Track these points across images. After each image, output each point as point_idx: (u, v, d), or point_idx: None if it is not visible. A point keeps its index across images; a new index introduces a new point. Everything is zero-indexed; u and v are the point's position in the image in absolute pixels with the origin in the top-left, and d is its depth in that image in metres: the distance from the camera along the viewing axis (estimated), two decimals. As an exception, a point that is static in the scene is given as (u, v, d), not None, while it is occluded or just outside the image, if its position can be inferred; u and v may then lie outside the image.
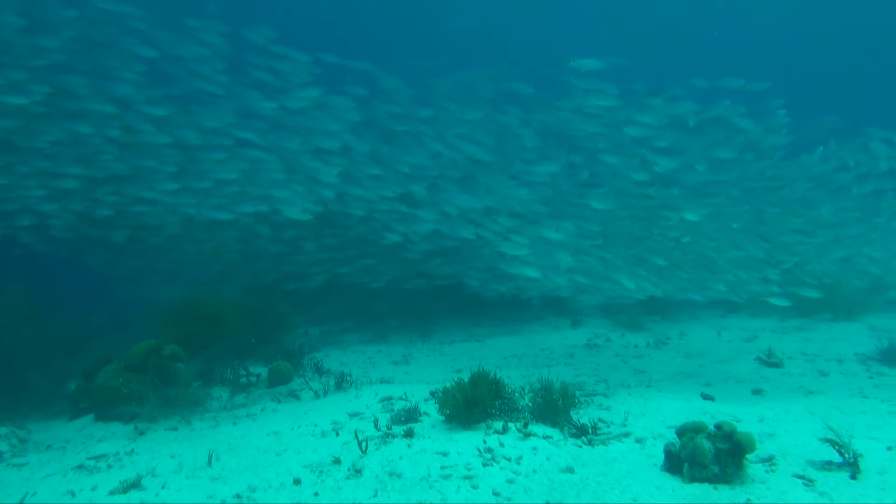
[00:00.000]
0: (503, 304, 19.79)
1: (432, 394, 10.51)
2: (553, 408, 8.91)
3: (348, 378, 12.03)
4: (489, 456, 7.49)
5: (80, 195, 16.02)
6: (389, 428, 8.76)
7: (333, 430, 8.98)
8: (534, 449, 7.77)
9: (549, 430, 8.51)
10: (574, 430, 8.46)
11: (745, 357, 13.99)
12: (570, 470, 7.12)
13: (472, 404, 8.64)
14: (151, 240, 18.89)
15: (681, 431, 7.27)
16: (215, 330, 13.23)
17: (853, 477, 6.88)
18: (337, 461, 7.62)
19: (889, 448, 7.87)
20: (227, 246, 18.98)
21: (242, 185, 15.69)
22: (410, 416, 9.16)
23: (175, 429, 9.80)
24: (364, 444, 7.91)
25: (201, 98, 15.53)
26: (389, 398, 10.65)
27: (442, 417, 8.89)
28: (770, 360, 13.27)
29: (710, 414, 9.47)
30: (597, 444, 8.12)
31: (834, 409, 9.86)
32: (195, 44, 15.28)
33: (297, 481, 7.10)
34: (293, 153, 15.56)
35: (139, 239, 18.87)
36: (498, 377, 9.27)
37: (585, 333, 17.45)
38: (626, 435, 8.49)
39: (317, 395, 11.36)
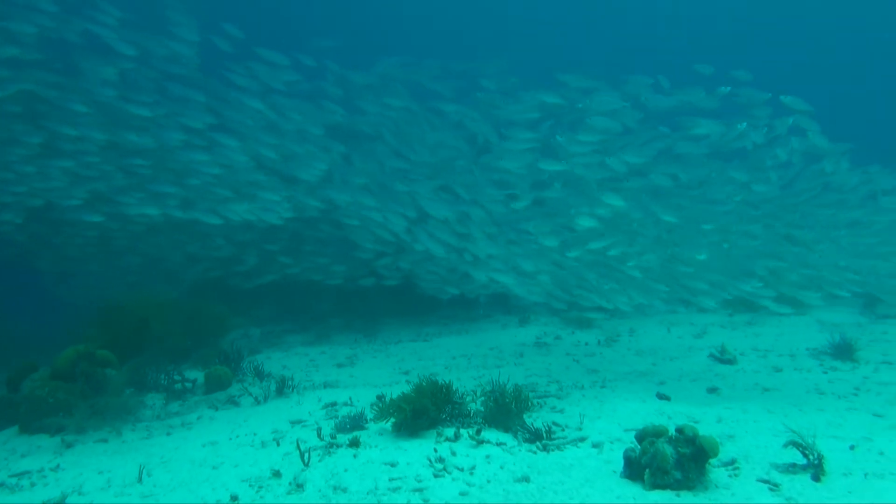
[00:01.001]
0: (451, 302, 19.37)
1: (379, 398, 10.04)
2: (506, 412, 8.52)
3: (290, 382, 11.44)
4: (440, 466, 7.06)
5: (45, 195, 15.45)
6: (333, 437, 8.26)
7: (274, 439, 8.48)
8: (487, 457, 7.37)
9: (502, 436, 8.11)
10: (528, 436, 8.09)
11: (697, 353, 13.77)
12: (526, 479, 6.73)
13: (420, 413, 8.21)
14: (98, 240, 18.27)
15: (641, 436, 6.95)
16: (145, 333, 12.62)
17: (819, 479, 6.62)
18: (277, 474, 7.13)
19: (852, 447, 7.66)
20: (179, 245, 18.40)
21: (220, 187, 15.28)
22: (356, 423, 8.68)
23: (105, 441, 9.19)
24: (306, 456, 7.42)
25: (178, 99, 15.07)
26: (333, 404, 10.14)
27: (389, 426, 8.42)
28: (723, 357, 13.06)
29: (666, 415, 9.19)
30: (552, 450, 7.75)
31: (792, 407, 9.66)
32: (170, 43, 14.94)
33: (234, 498, 6.60)
34: (269, 155, 15.07)
35: (90, 240, 18.23)
36: (447, 381, 8.87)
37: (534, 331, 17.11)
38: (583, 440, 8.14)
39: (257, 402, 10.80)
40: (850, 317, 17.29)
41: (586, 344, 15.33)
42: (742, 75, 13.99)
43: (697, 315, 18.14)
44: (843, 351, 12.92)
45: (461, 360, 14.08)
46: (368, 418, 8.80)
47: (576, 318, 17.68)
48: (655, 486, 6.46)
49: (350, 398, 10.37)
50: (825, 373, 12.00)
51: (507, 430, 8.35)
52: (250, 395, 11.14)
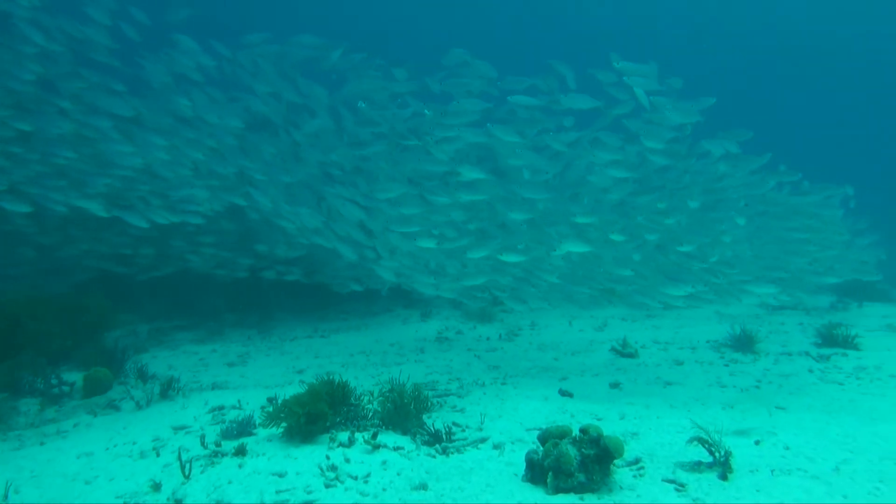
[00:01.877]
0: (350, 296, 18.74)
1: (270, 400, 9.51)
2: (404, 413, 8.12)
3: (176, 384, 10.75)
4: (333, 475, 6.59)
5: None
6: (218, 444, 7.68)
7: (154, 448, 7.85)
8: (383, 463, 6.94)
9: (400, 440, 7.70)
10: (427, 438, 7.71)
11: (598, 347, 13.65)
12: (424, 487, 6.34)
13: (313, 418, 7.71)
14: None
15: (544, 437, 6.64)
16: (18, 333, 11.74)
17: (726, 478, 6.42)
18: (155, 488, 6.56)
19: (756, 442, 7.55)
20: (75, 238, 17.35)
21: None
22: (243, 428, 8.13)
23: (-28, 453, 8.43)
24: (188, 467, 6.85)
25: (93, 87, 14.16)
26: (221, 407, 9.51)
27: (279, 431, 7.89)
28: (625, 351, 12.96)
29: (569, 412, 8.95)
30: (452, 453, 7.38)
31: (695, 402, 9.54)
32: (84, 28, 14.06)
33: (105, 516, 6.04)
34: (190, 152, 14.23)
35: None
36: (344, 380, 8.42)
37: (436, 326, 16.80)
38: (483, 440, 7.81)
39: (138, 406, 10.09)
40: (747, 308, 17.49)
41: (488, 339, 15.07)
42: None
43: (597, 308, 18.09)
44: (744, 343, 12.97)
45: (359, 357, 13.62)
46: (257, 423, 8.23)
47: (478, 312, 17.43)
48: (559, 489, 6.16)
49: (239, 401, 9.78)
50: (726, 365, 11.99)
51: (405, 432, 7.96)
52: (132, 398, 10.42)
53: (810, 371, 11.42)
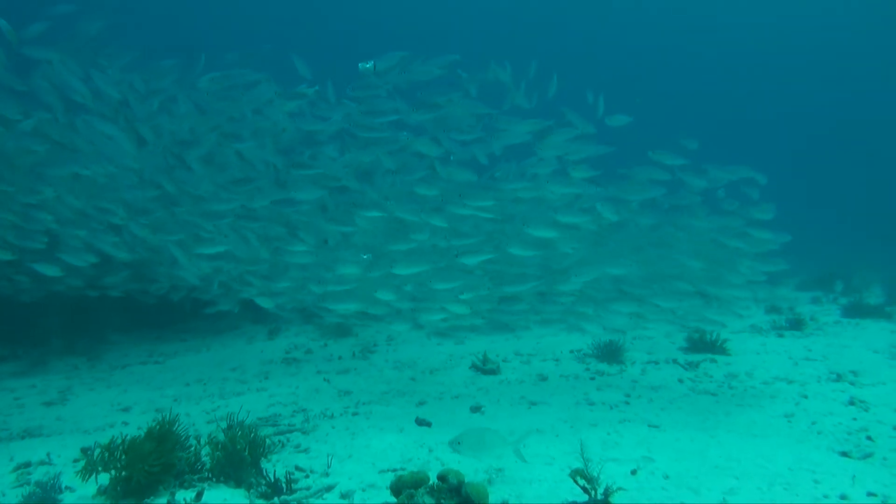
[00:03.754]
0: (194, 311, 16.99)
1: (84, 451, 8.16)
2: (237, 461, 7.01)
3: (-19, 435, 9.17)
4: (144, 554, 5.44)
5: None
6: (12, 520, 6.34)
7: (-61, 530, 6.43)
8: (208, 531, 5.83)
9: (232, 496, 6.57)
10: (264, 489, 6.64)
11: (458, 364, 12.81)
12: (256, 560, 5.28)
13: (166, 470, 6.47)
14: None
15: (397, 487, 5.72)
16: None
17: (607, 523, 5.66)
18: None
19: (633, 472, 6.85)
20: None
21: None
22: (48, 493, 6.77)
23: None
24: (-36, 556, 5.54)
25: None
26: (27, 464, 7.97)
27: (91, 495, 6.60)
28: (486, 367, 12.17)
29: (427, 446, 8.03)
30: (292, 509, 6.34)
31: (563, 424, 8.82)
32: None
33: None
34: None
35: None
36: (171, 422, 7.20)
37: (283, 344, 15.61)
38: (329, 489, 6.81)
39: (-69, 467, 8.49)
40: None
41: (340, 358, 13.98)
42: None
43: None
44: (610, 352, 12.46)
45: (196, 386, 12.22)
46: (63, 486, 6.93)
47: (331, 327, 16.29)
48: (411, 550, 5.25)
49: (48, 454, 8.25)
50: (592, 378, 11.39)
51: (239, 483, 6.87)
52: (-75, 458, 8.78)
53: (680, 381, 10.96)
